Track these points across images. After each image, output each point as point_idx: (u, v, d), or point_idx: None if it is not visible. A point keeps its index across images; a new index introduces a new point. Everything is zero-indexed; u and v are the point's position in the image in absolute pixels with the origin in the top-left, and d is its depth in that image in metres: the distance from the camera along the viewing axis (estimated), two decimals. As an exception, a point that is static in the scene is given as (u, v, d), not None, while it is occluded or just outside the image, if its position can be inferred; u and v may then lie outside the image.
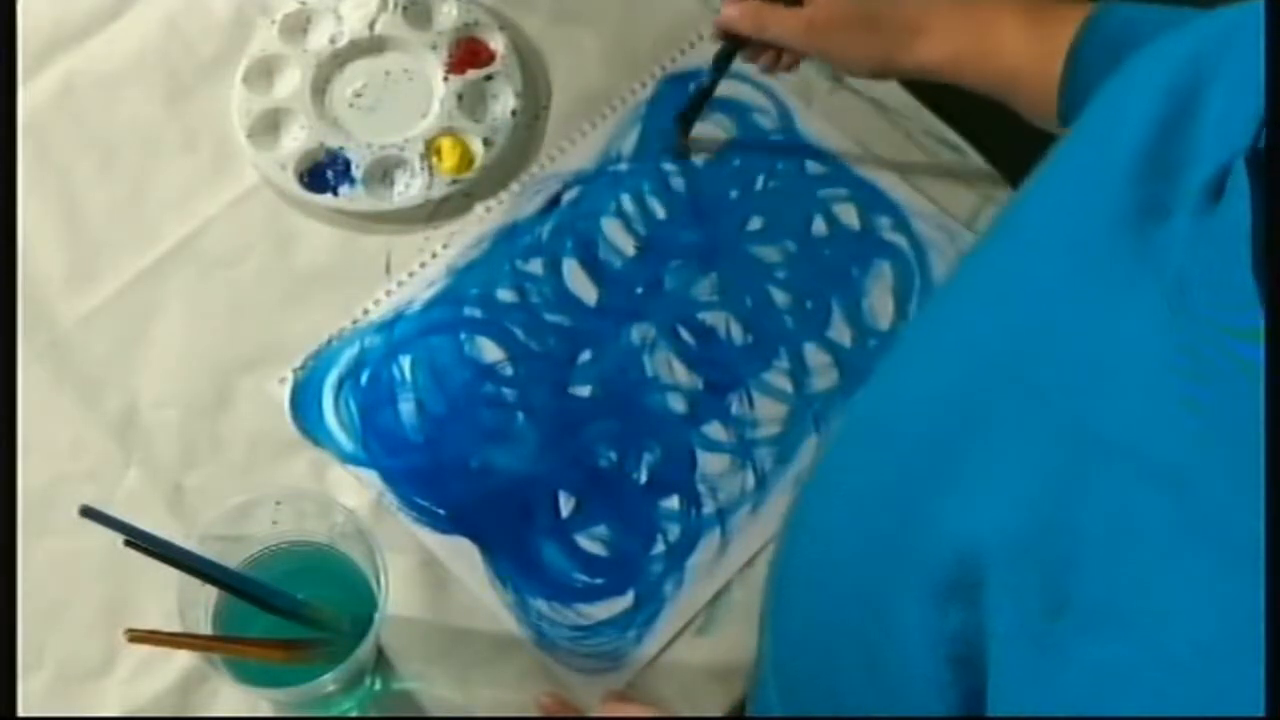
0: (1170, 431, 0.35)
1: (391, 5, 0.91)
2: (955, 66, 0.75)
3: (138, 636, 0.60)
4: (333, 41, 0.90)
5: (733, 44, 0.82)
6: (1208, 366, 0.35)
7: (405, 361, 0.82)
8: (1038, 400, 0.39)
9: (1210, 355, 0.35)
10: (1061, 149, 0.48)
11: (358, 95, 0.90)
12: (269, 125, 0.88)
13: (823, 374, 0.83)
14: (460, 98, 0.89)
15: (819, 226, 0.87)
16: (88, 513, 0.59)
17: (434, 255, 0.85)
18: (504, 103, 0.89)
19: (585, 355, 0.83)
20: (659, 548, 0.78)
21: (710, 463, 0.81)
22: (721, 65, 0.83)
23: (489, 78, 0.90)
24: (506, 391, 0.82)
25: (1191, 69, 0.42)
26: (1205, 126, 0.40)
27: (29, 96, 0.88)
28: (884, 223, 0.87)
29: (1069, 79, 0.70)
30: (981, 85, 0.76)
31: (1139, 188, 0.40)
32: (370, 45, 0.91)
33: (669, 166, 0.88)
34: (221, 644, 0.65)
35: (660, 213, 0.87)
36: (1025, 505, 0.37)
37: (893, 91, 0.91)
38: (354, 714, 0.74)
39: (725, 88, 0.91)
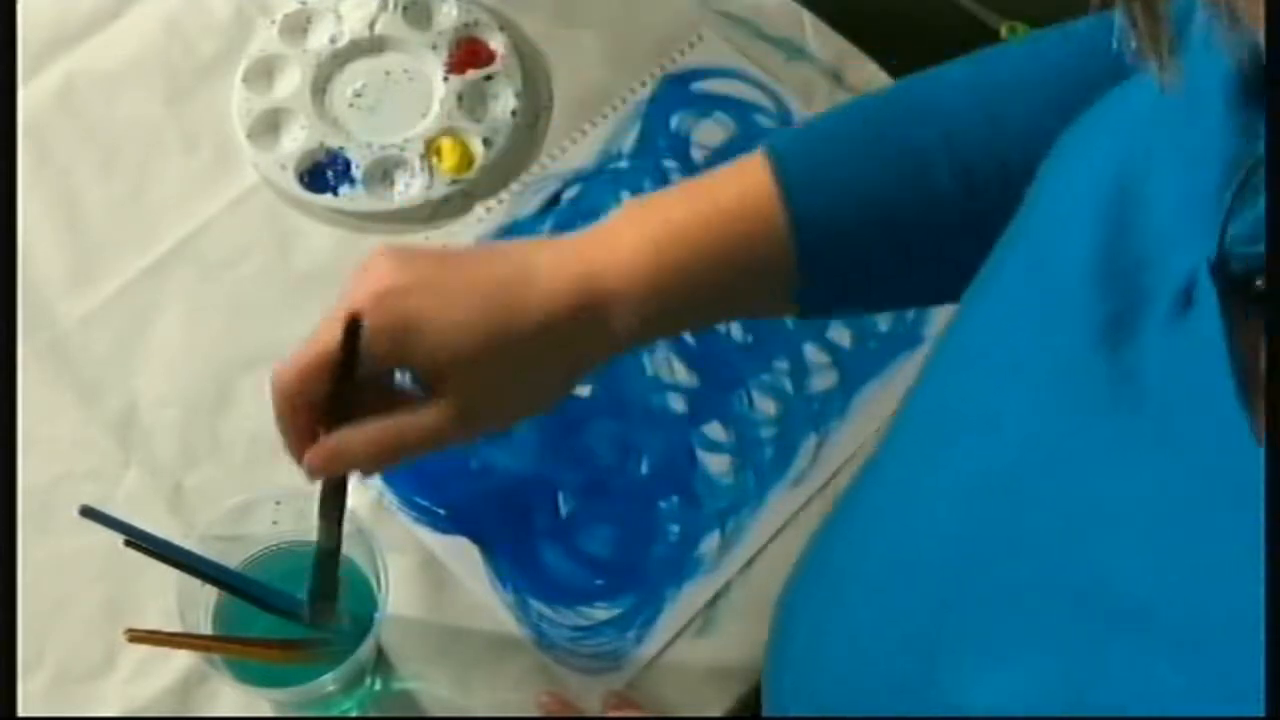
0: (1179, 588, 0.33)
1: (391, 5, 0.91)
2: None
3: (138, 636, 0.60)
4: (333, 41, 0.90)
5: (338, 488, 0.61)
6: (1201, 500, 0.33)
7: (405, 361, 0.82)
8: (1045, 555, 0.37)
9: (1200, 487, 0.33)
10: (1001, 265, 0.45)
11: (358, 95, 0.90)
12: (269, 125, 0.88)
13: (822, 374, 0.83)
14: (460, 98, 0.89)
15: (819, 226, 0.87)
16: (88, 513, 0.59)
17: (434, 255, 0.85)
18: (504, 103, 0.89)
19: (585, 355, 0.83)
20: (659, 548, 0.78)
21: (710, 462, 0.80)
22: (335, 520, 0.62)
23: (489, 78, 0.90)
24: (506, 391, 0.82)
25: (1117, 180, 0.40)
26: (1149, 238, 0.38)
27: (29, 96, 0.88)
28: (884, 222, 0.87)
29: (801, 237, 0.57)
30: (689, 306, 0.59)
31: (1101, 303, 0.38)
32: (370, 45, 0.91)
33: (670, 164, 0.88)
34: (221, 644, 0.65)
35: (660, 212, 0.87)
36: (1048, 681, 0.35)
37: (893, 91, 0.91)
38: (354, 714, 0.74)
39: (726, 86, 0.91)
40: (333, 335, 0.54)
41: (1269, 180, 0.28)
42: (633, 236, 0.57)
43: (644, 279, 0.56)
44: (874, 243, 0.58)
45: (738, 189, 0.57)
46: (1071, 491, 0.37)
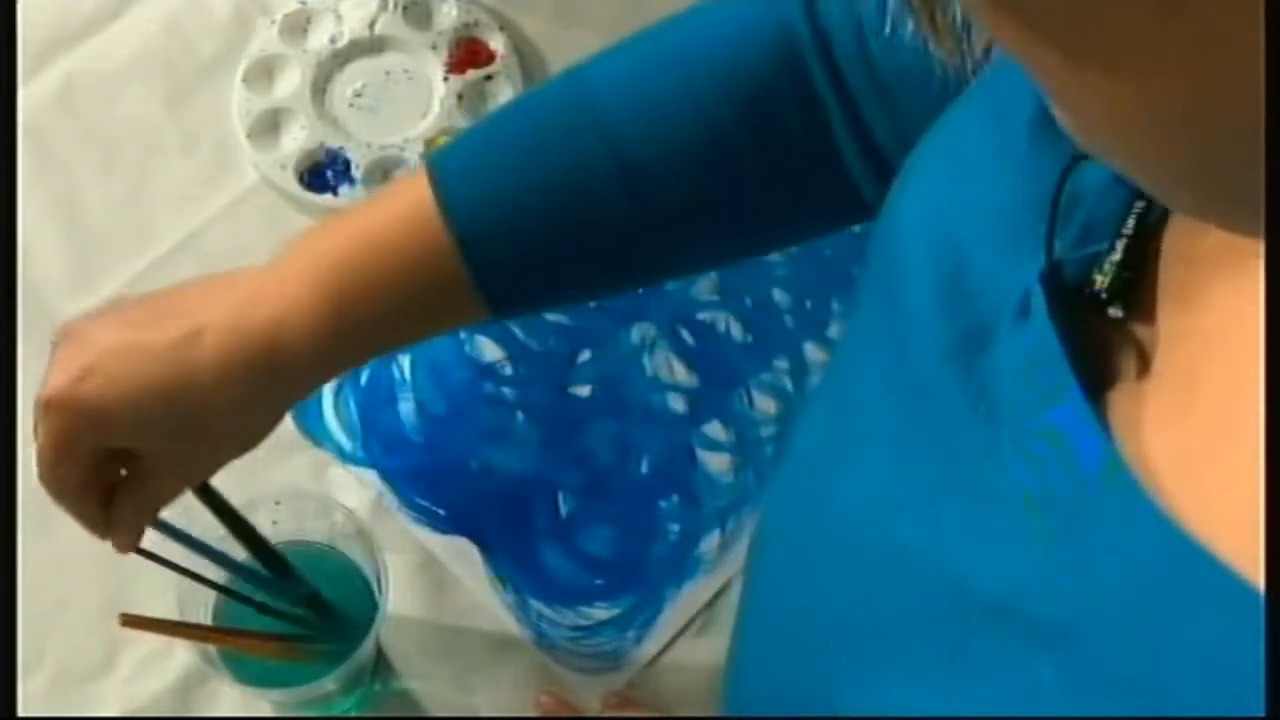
0: (1039, 579, 0.34)
1: (391, 5, 0.91)
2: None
3: (131, 620, 0.60)
4: (333, 41, 0.90)
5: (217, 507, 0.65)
6: (1049, 491, 0.34)
7: (405, 361, 0.82)
8: (916, 567, 0.38)
9: (1054, 486, 0.34)
10: (861, 291, 0.46)
11: (358, 95, 0.90)
12: (269, 125, 0.88)
13: (823, 373, 0.83)
14: (460, 98, 0.89)
15: (819, 226, 0.87)
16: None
17: (434, 255, 0.85)
18: (504, 102, 0.89)
19: (585, 354, 0.83)
20: (659, 548, 0.78)
21: (710, 462, 0.80)
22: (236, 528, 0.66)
23: (489, 78, 0.90)
24: (506, 391, 0.82)
25: (951, 202, 0.41)
26: (986, 260, 0.39)
27: (29, 96, 0.87)
28: (884, 222, 0.87)
29: (472, 250, 0.56)
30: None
31: (950, 327, 0.39)
32: (370, 45, 0.91)
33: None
34: (217, 635, 0.65)
35: (660, 212, 0.87)
36: (934, 689, 0.36)
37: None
38: (354, 714, 0.74)
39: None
40: (51, 424, 0.59)
41: (1268, 199, 0.27)
42: (296, 275, 0.56)
43: (309, 318, 0.55)
44: (547, 248, 0.57)
45: (398, 211, 0.57)
46: (937, 505, 0.38)
